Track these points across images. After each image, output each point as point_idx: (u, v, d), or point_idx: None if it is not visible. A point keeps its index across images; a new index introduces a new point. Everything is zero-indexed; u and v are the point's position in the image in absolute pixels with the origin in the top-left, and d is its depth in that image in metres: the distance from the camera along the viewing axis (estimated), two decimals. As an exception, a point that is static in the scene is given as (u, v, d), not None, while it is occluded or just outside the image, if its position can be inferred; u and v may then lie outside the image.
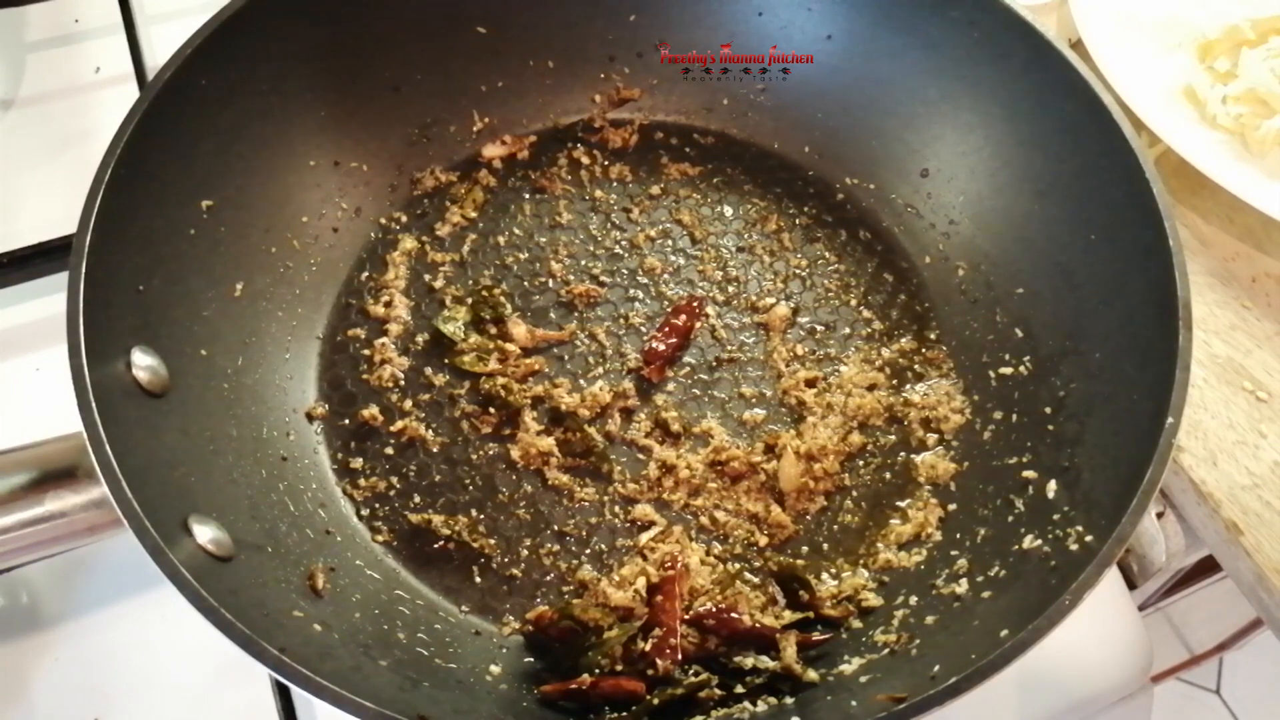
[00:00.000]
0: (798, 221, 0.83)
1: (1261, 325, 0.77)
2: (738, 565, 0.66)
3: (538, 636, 0.63)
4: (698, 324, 0.77)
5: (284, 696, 0.66)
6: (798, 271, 0.80)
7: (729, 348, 0.76)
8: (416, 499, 0.69)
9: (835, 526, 0.68)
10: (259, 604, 0.54)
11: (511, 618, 0.65)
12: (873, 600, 0.64)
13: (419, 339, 0.76)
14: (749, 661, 0.60)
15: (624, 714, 0.57)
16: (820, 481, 0.69)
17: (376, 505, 0.69)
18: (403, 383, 0.74)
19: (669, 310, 0.77)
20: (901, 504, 0.69)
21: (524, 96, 0.86)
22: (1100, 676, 0.70)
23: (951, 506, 0.68)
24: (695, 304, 0.77)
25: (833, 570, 0.66)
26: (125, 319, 0.60)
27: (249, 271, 0.71)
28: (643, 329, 0.77)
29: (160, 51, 0.95)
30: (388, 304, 0.77)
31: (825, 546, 0.68)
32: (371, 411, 0.72)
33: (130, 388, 0.58)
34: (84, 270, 0.56)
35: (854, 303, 0.79)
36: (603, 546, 0.68)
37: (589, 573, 0.66)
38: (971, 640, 0.54)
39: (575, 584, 0.66)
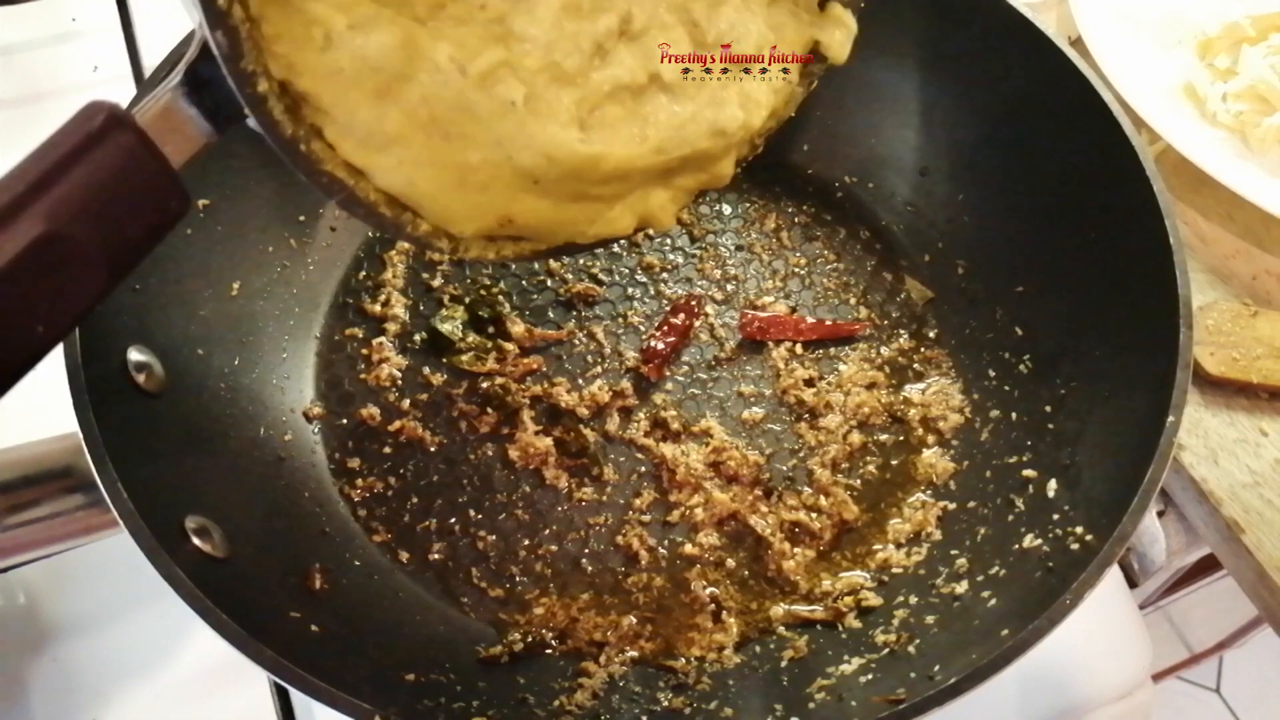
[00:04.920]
0: (796, 220, 0.83)
1: (1262, 323, 0.76)
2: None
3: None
4: (696, 322, 0.77)
5: (282, 697, 0.66)
6: (796, 270, 0.80)
7: (728, 346, 0.76)
8: (414, 499, 0.69)
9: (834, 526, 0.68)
10: (256, 604, 0.54)
11: (509, 618, 0.65)
12: (873, 600, 0.63)
13: (417, 338, 0.76)
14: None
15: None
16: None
17: (374, 505, 0.69)
18: (400, 382, 0.74)
19: (667, 309, 0.77)
20: (901, 503, 0.69)
21: (522, 95, 0.85)
22: (1100, 676, 0.70)
23: (951, 506, 0.68)
24: (694, 302, 0.77)
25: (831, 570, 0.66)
26: (121, 318, 0.59)
27: (246, 271, 0.71)
28: (641, 328, 0.77)
29: (157, 50, 0.94)
30: (385, 303, 0.77)
31: (824, 546, 0.67)
32: (369, 411, 0.72)
33: (126, 387, 0.57)
34: (79, 269, 0.56)
35: (853, 301, 0.78)
36: (601, 546, 0.67)
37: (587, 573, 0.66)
38: (971, 640, 0.54)
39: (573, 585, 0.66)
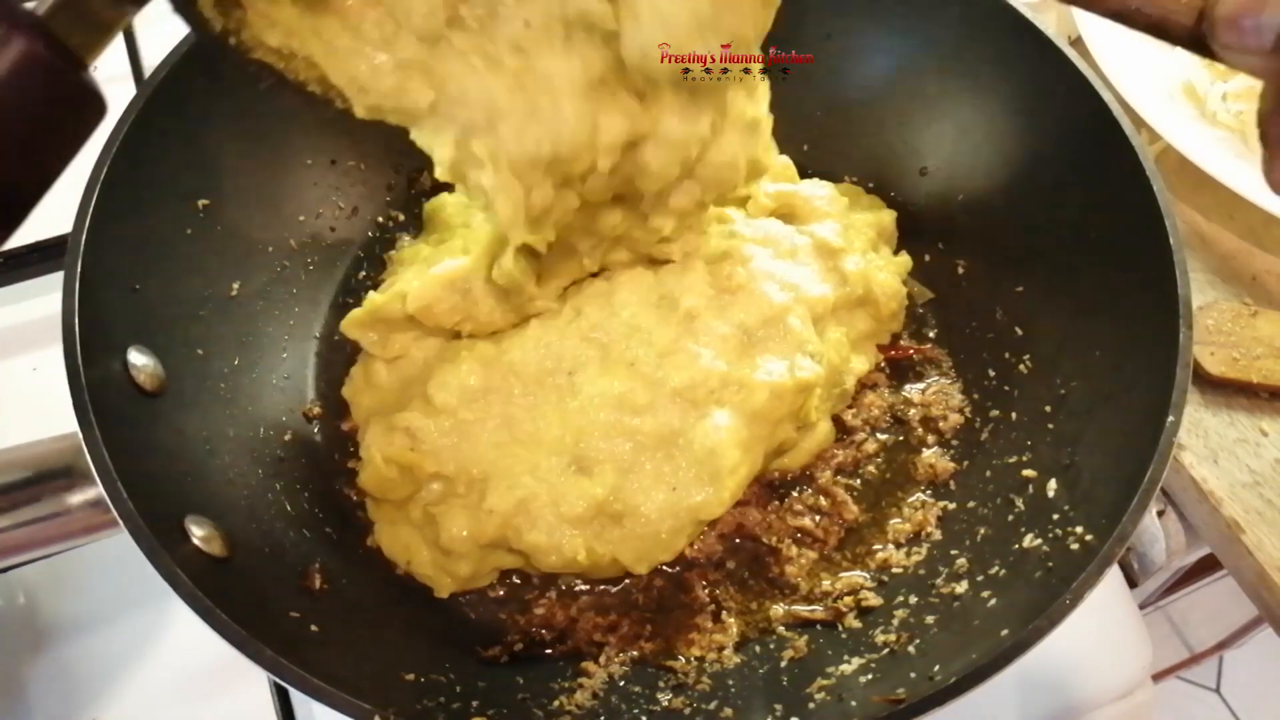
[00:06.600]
0: (797, 220, 0.82)
1: (1262, 323, 0.76)
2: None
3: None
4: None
5: (282, 697, 0.66)
6: (797, 270, 0.80)
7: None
8: (414, 499, 0.69)
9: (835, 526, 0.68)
10: (255, 604, 0.54)
11: (509, 618, 0.64)
12: (873, 600, 0.63)
13: (417, 338, 0.76)
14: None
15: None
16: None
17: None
18: (400, 382, 0.74)
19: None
20: (901, 503, 0.69)
21: (522, 95, 0.85)
22: (1100, 676, 0.70)
23: (951, 506, 0.68)
24: (694, 303, 0.77)
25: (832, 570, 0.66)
26: (121, 318, 0.59)
27: (246, 271, 0.71)
28: (641, 328, 0.77)
29: (157, 50, 0.94)
30: (385, 303, 0.77)
31: (828, 550, 0.67)
32: (369, 411, 0.72)
33: (126, 387, 0.57)
34: (79, 270, 0.56)
35: (853, 301, 0.78)
36: (601, 546, 0.67)
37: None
38: (971, 640, 0.54)
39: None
